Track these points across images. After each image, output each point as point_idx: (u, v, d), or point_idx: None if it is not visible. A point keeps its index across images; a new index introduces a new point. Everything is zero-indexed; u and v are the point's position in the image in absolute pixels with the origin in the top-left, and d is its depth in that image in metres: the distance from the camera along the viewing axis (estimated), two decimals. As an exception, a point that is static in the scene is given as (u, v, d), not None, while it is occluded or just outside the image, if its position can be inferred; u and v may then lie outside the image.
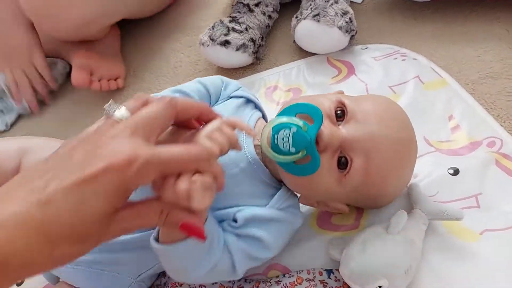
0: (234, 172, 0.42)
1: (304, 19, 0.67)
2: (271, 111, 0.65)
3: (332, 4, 0.66)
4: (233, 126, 0.35)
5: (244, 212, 0.41)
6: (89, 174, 0.26)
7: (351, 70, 0.67)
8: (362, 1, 0.80)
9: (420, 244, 0.42)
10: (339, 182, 0.40)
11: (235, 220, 0.41)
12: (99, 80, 0.79)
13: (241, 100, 0.48)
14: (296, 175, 0.40)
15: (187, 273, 0.39)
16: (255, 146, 0.44)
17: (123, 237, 0.41)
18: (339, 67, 0.69)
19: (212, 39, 0.69)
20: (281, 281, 0.45)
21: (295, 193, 0.46)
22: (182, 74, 0.81)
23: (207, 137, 0.33)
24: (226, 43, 0.68)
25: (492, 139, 0.53)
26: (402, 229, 0.40)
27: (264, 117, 0.50)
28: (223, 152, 0.33)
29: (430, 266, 0.43)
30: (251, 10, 0.74)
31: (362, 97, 0.44)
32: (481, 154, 0.52)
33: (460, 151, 0.53)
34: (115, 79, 0.81)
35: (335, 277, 0.45)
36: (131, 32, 0.93)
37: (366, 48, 0.70)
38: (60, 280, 0.49)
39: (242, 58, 0.71)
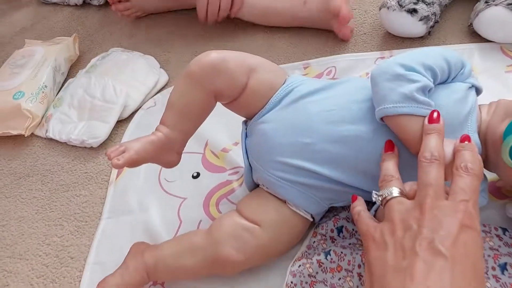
0: None
1: (496, 5, 0.70)
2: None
3: (528, -4, 0.69)
4: None
5: None
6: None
7: (528, 63, 0.71)
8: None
9: None
10: None
11: None
12: None
13: (467, 85, 0.50)
14: None
15: None
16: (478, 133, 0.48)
17: (335, 175, 0.49)
18: (515, 58, 0.72)
19: (400, 5, 0.73)
20: None
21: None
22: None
23: None
24: (413, 11, 0.73)
25: None
26: None
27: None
28: None
29: None
30: (436, -13, 0.78)
31: None
32: None
33: None
34: None
35: (510, 234, 0.51)
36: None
37: (544, 46, 0.73)
38: (260, 186, 0.56)
39: (421, 29, 0.75)
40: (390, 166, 0.43)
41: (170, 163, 0.55)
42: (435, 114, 0.43)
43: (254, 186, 0.57)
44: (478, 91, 0.52)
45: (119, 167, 0.49)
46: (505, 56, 0.73)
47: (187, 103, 0.53)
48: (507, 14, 0.69)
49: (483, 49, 0.75)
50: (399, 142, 0.46)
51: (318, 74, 0.77)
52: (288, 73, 0.57)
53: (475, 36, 0.77)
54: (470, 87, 0.50)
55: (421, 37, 0.79)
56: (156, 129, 0.53)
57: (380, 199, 0.40)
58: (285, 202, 0.52)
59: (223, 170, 0.66)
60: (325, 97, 0.52)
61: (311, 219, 0.53)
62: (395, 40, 0.80)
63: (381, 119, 0.46)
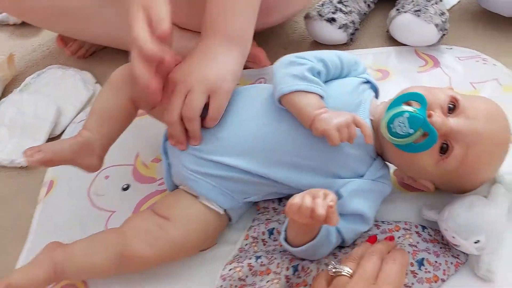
0: None
1: (406, 12, 0.76)
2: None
3: (432, 4, 0.75)
4: (359, 126, 0.47)
5: (347, 187, 0.51)
6: None
7: (437, 64, 0.77)
8: (450, 8, 0.88)
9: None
10: (436, 163, 0.48)
11: (339, 196, 0.50)
12: None
13: (361, 79, 0.55)
14: (417, 151, 0.47)
15: (312, 257, 0.51)
16: (371, 120, 0.52)
17: (244, 165, 0.52)
18: (426, 59, 0.78)
19: (320, 15, 0.78)
20: (380, 226, 0.54)
21: (388, 165, 0.54)
22: (276, 43, 0.90)
23: (336, 128, 0.46)
24: (332, 20, 0.78)
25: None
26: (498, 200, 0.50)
27: (376, 95, 0.57)
28: (343, 142, 0.46)
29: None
30: (355, -4, 0.83)
31: (473, 96, 0.52)
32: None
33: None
34: None
35: (428, 232, 0.54)
36: None
37: (451, 48, 0.80)
38: (179, 187, 0.57)
39: (341, 36, 0.80)
40: (359, 251, 0.47)
41: (90, 167, 0.56)
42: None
43: (174, 187, 0.58)
44: (377, 89, 0.57)
45: (33, 163, 0.49)
46: (419, 58, 0.79)
47: (108, 108, 0.55)
48: (415, 19, 0.75)
49: (400, 51, 0.81)
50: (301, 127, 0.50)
51: (249, 84, 0.80)
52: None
53: (393, 41, 0.82)
54: (364, 82, 0.55)
55: (345, 44, 0.83)
56: (78, 133, 0.55)
57: (333, 270, 0.45)
58: (198, 198, 0.54)
59: (153, 181, 0.67)
60: (236, 99, 0.56)
61: (223, 212, 0.54)
62: (321, 48, 0.84)
63: (280, 103, 0.51)
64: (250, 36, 0.58)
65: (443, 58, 0.77)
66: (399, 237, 0.53)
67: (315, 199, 0.43)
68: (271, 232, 0.56)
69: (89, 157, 0.54)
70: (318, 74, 0.51)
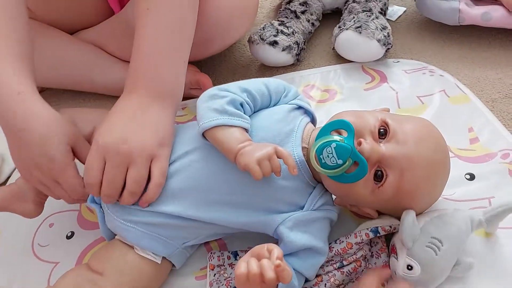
0: (282, 168, 0.46)
1: (347, 29, 0.74)
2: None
3: (373, 19, 0.74)
4: (281, 157, 0.45)
5: (286, 223, 0.48)
6: None
7: (384, 79, 0.75)
8: (396, 19, 0.88)
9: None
10: (373, 192, 0.46)
11: (280, 234, 0.48)
12: None
13: (292, 106, 0.53)
14: (350, 182, 0.45)
15: None
16: (303, 148, 0.50)
17: (176, 210, 0.49)
18: (373, 75, 0.76)
19: (262, 39, 0.76)
20: (333, 248, 0.51)
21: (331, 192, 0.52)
22: (225, 68, 0.88)
23: (257, 162, 0.44)
24: (274, 43, 0.76)
25: (507, 151, 0.60)
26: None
27: (313, 121, 0.55)
28: (266, 176, 0.44)
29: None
30: (297, 17, 0.82)
31: (405, 118, 0.50)
32: (496, 164, 0.59)
33: (476, 160, 0.60)
34: None
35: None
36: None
37: (398, 61, 0.78)
38: (116, 237, 0.54)
39: (286, 58, 0.79)
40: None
41: (27, 213, 0.55)
42: None
43: (112, 236, 0.55)
44: (312, 114, 0.55)
45: None
46: (365, 74, 0.77)
47: None
48: (357, 36, 0.74)
49: (347, 69, 0.79)
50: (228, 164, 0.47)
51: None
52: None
53: (340, 58, 0.81)
54: (296, 108, 0.53)
55: (293, 65, 0.82)
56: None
57: None
58: (133, 248, 0.51)
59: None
60: None
61: (160, 261, 0.51)
62: (270, 70, 0.83)
63: (204, 137, 0.49)
64: (181, 86, 0.56)
65: (390, 72, 0.76)
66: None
67: (260, 261, 0.40)
68: None
69: (23, 203, 0.54)
70: (241, 105, 0.49)
